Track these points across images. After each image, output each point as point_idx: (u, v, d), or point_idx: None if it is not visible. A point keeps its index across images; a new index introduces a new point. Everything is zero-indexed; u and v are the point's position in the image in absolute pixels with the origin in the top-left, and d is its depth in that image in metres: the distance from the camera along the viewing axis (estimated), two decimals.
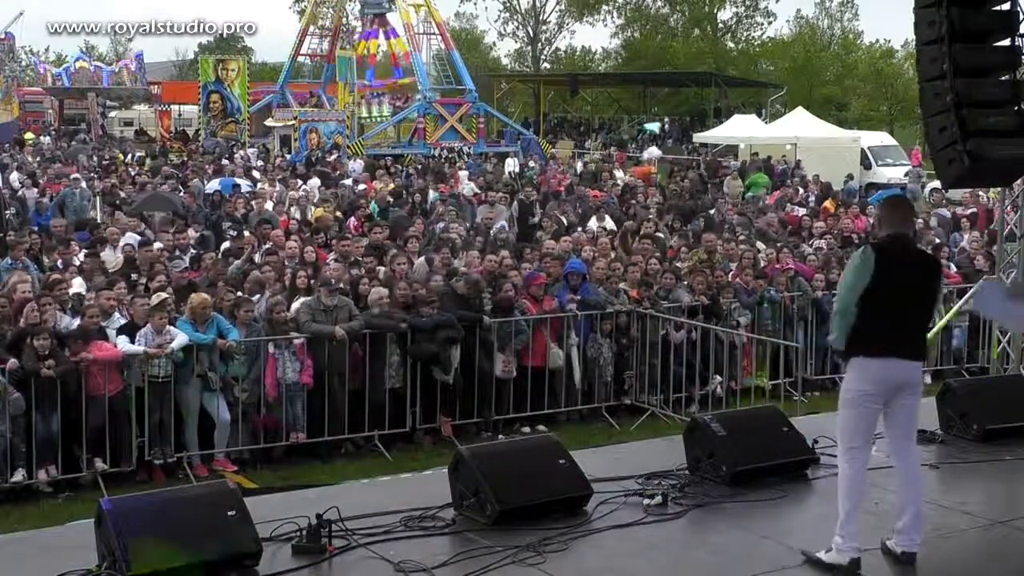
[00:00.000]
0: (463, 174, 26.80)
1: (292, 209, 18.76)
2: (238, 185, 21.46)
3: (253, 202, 18.02)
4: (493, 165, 31.88)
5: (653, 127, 38.77)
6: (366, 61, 45.22)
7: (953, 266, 14.48)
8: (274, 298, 10.87)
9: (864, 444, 6.04)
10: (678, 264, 13.66)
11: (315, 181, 23.70)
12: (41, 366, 9.07)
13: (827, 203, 21.96)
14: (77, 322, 9.83)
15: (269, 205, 18.02)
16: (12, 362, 9.00)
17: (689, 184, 25.94)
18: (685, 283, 12.53)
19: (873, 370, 5.95)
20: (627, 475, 7.40)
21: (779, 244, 14.94)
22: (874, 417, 6.04)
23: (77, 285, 11.18)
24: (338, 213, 18.06)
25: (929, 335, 7.48)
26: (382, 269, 12.38)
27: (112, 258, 13.08)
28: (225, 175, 24.19)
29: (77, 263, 12.42)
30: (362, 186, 23.41)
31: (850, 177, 30.12)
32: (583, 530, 6.59)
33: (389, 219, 17.63)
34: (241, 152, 34.39)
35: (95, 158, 31.01)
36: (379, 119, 44.10)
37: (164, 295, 10.16)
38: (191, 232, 15.30)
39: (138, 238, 14.41)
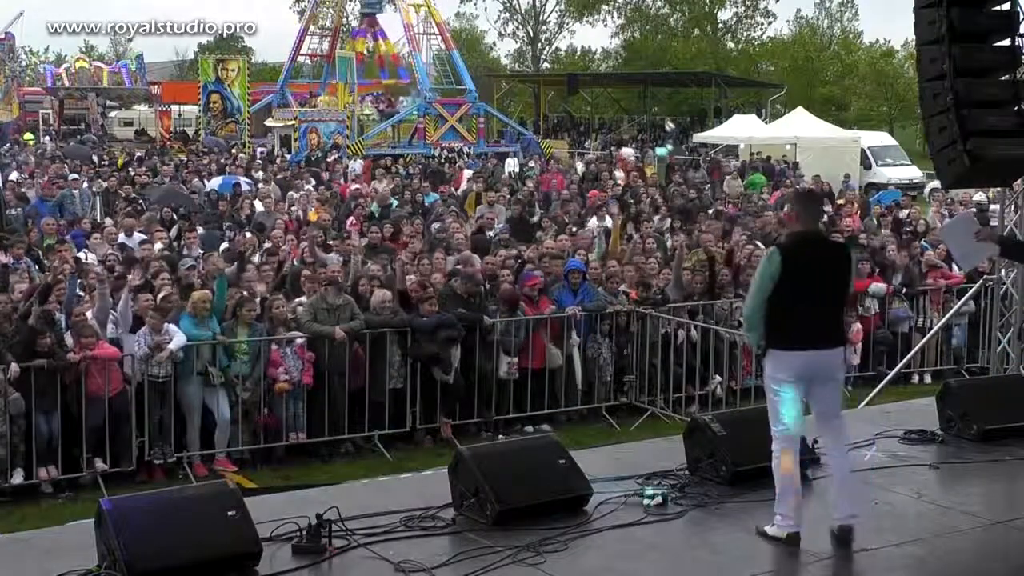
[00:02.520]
0: (467, 173, 26.79)
1: (292, 209, 18.79)
2: (238, 184, 21.44)
3: (255, 202, 18.05)
4: (493, 165, 31.87)
5: (662, 151, 38.94)
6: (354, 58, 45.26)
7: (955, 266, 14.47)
8: (273, 296, 10.88)
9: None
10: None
11: (312, 181, 23.68)
12: (39, 363, 9.07)
13: (841, 200, 22.08)
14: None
15: (259, 205, 18.04)
16: (14, 367, 9.00)
17: (687, 183, 25.95)
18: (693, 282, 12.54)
19: (788, 361, 6.22)
20: (627, 475, 7.40)
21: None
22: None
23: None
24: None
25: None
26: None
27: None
28: (225, 174, 24.21)
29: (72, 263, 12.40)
30: (356, 186, 23.38)
31: (847, 177, 30.12)
32: (583, 530, 6.58)
33: (389, 219, 17.64)
34: (257, 150, 34.84)
35: (94, 158, 31.00)
36: (360, 117, 44.10)
37: (167, 291, 10.21)
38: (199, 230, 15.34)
39: (142, 237, 14.43)
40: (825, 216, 18.58)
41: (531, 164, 32.47)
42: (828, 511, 6.42)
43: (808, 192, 6.84)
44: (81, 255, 13.12)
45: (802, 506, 6.31)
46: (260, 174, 24.84)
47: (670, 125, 49.00)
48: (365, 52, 46.06)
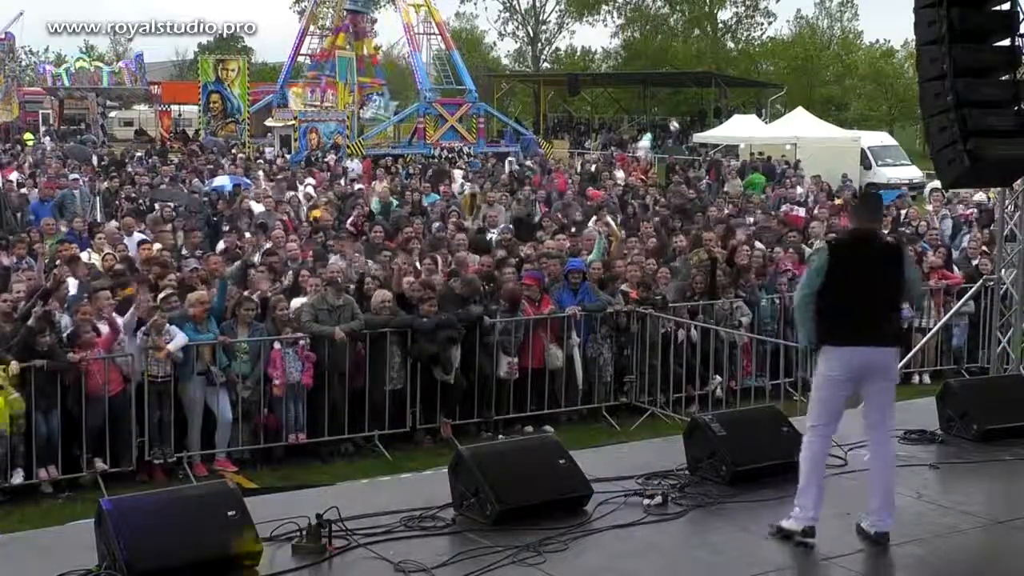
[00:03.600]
0: (458, 173, 26.82)
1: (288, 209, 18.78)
2: (239, 184, 21.44)
3: (252, 202, 18.05)
4: (492, 165, 31.86)
5: (645, 142, 39.09)
6: (331, 54, 45.27)
7: (956, 267, 14.47)
8: (275, 296, 10.89)
9: (828, 424, 6.39)
10: (676, 264, 13.63)
11: (312, 181, 23.67)
12: (39, 363, 9.07)
13: (837, 200, 22.08)
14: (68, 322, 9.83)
15: (258, 206, 18.08)
16: (14, 365, 9.00)
17: (687, 183, 25.94)
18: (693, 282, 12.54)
19: (839, 357, 6.27)
20: (627, 475, 7.40)
21: (785, 245, 14.87)
22: (841, 400, 6.39)
23: (72, 285, 11.15)
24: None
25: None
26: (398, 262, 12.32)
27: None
28: (227, 173, 24.23)
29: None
30: (360, 186, 23.41)
31: (844, 177, 30.11)
32: (583, 530, 6.59)
33: (389, 219, 17.65)
34: (267, 150, 34.95)
35: (94, 159, 31.00)
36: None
37: (168, 291, 10.21)
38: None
39: (141, 237, 14.44)
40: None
41: (528, 163, 32.43)
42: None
43: (867, 192, 6.95)
44: (84, 255, 13.12)
45: (822, 501, 6.35)
46: (259, 173, 24.86)
47: (675, 125, 48.95)
48: (346, 48, 45.98)
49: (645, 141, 40.81)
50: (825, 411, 6.37)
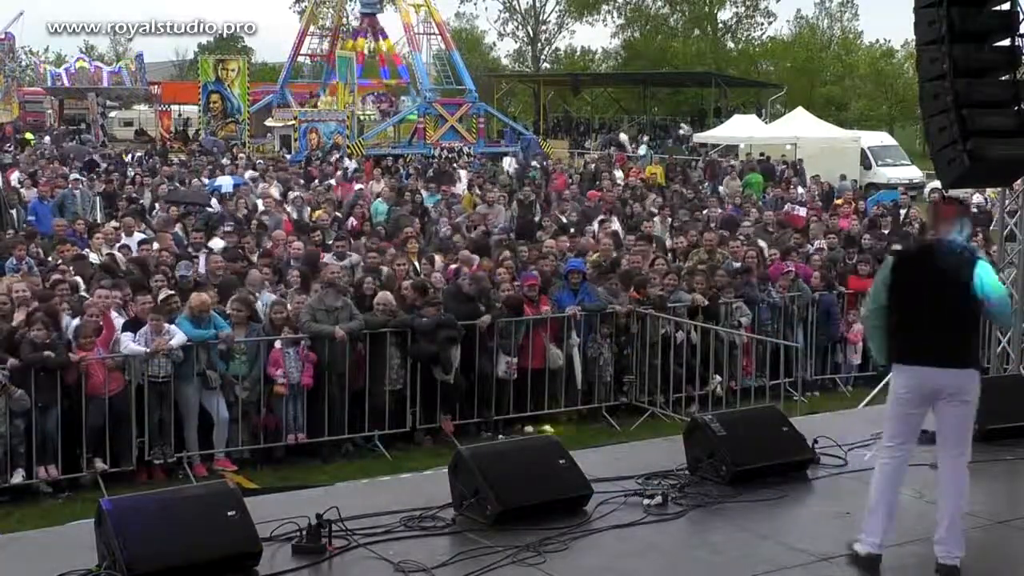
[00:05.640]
0: (463, 174, 26.82)
1: (290, 208, 18.80)
2: (238, 184, 21.43)
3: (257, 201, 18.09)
4: (491, 166, 31.86)
5: (642, 150, 39.35)
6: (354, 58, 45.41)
7: None
8: (275, 298, 10.89)
9: (901, 444, 6.02)
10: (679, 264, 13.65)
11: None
12: (41, 355, 9.07)
13: (838, 200, 22.11)
14: (75, 323, 9.82)
15: (260, 203, 18.12)
16: (12, 361, 9.00)
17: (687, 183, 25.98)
18: (692, 283, 12.54)
19: (905, 376, 5.96)
20: (627, 475, 7.40)
21: (786, 246, 14.88)
22: (913, 420, 6.02)
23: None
24: (337, 213, 18.14)
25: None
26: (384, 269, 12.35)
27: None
28: (226, 174, 24.24)
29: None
30: (360, 186, 23.43)
31: (843, 177, 30.10)
32: (583, 530, 6.59)
33: (388, 219, 17.67)
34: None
35: (95, 158, 30.98)
36: (361, 116, 44.23)
37: (168, 292, 10.23)
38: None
39: (142, 237, 14.44)
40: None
41: (533, 164, 32.41)
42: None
43: (946, 199, 6.29)
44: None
45: (890, 529, 6.03)
46: (249, 173, 24.87)
47: (683, 127, 48.84)
48: (366, 52, 46.19)
49: (624, 134, 41.06)
50: (897, 430, 6.02)
